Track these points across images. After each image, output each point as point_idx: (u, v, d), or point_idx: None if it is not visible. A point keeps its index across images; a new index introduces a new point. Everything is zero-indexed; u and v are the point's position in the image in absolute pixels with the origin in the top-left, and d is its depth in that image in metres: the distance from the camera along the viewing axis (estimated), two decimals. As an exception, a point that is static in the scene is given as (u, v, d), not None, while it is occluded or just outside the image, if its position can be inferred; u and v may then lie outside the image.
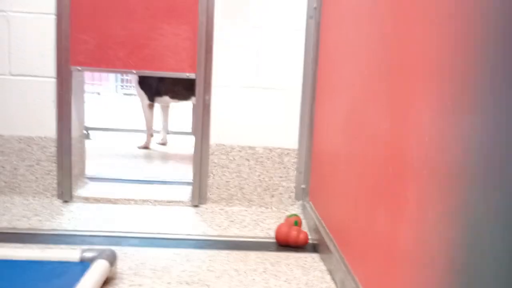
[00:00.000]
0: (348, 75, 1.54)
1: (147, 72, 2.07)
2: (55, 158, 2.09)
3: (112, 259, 1.44)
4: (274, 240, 1.87)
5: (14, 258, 1.42)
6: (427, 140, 0.87)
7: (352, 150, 1.44)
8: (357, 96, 1.41)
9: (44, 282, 1.31)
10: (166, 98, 3.91)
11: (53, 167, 2.09)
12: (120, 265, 1.57)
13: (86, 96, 2.34)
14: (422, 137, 0.89)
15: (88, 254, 1.45)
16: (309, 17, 2.08)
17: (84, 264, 1.41)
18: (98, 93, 12.20)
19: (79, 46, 2.01)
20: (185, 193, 2.24)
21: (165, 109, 4.17)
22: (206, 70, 2.07)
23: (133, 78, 3.99)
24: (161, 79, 3.83)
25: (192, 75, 2.07)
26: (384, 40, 1.17)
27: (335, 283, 1.52)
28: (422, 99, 0.91)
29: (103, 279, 1.36)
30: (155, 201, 2.13)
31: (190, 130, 4.90)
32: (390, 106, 1.10)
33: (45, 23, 2.02)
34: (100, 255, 1.43)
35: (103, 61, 2.03)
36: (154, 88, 3.86)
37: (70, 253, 1.46)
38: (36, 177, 2.10)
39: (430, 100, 0.87)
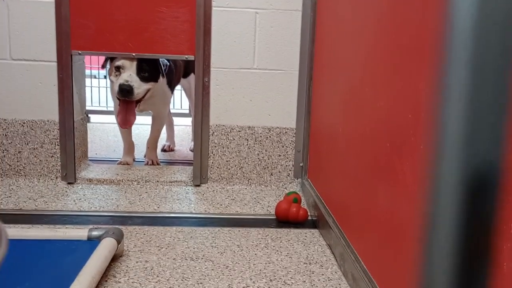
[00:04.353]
0: (346, 54, 1.57)
1: (147, 55, 2.10)
2: (58, 141, 2.12)
3: (119, 237, 1.48)
4: (274, 217, 1.92)
5: (25, 238, 1.47)
6: (423, 116, 0.91)
7: (351, 128, 1.48)
8: (354, 74, 1.45)
9: (55, 260, 1.36)
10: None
11: (57, 149, 2.13)
12: (126, 243, 1.62)
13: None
14: (418, 113, 0.93)
15: (96, 233, 1.50)
16: (305, -3, 2.10)
17: (92, 243, 1.46)
18: (95, 76, 12.12)
19: (80, 31, 2.03)
20: (187, 173, 2.28)
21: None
22: (204, 52, 2.10)
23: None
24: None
25: (191, 57, 2.09)
26: (381, 19, 1.21)
27: (335, 256, 1.57)
28: (418, 76, 0.95)
29: (111, 256, 1.40)
30: (157, 181, 2.17)
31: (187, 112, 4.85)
32: (387, 83, 1.14)
33: (44, 8, 2.03)
34: (107, 233, 1.48)
35: (104, 45, 2.05)
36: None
37: (78, 232, 1.51)
38: (40, 160, 2.13)
39: (426, 77, 0.91)
